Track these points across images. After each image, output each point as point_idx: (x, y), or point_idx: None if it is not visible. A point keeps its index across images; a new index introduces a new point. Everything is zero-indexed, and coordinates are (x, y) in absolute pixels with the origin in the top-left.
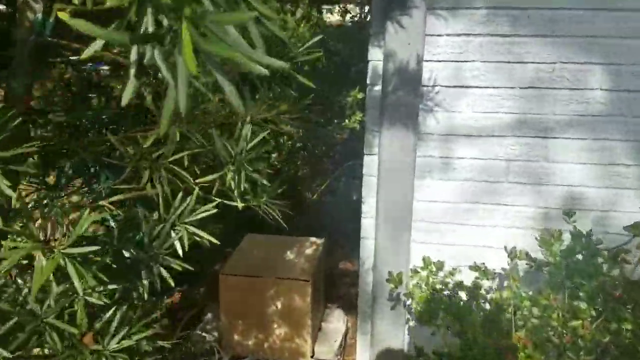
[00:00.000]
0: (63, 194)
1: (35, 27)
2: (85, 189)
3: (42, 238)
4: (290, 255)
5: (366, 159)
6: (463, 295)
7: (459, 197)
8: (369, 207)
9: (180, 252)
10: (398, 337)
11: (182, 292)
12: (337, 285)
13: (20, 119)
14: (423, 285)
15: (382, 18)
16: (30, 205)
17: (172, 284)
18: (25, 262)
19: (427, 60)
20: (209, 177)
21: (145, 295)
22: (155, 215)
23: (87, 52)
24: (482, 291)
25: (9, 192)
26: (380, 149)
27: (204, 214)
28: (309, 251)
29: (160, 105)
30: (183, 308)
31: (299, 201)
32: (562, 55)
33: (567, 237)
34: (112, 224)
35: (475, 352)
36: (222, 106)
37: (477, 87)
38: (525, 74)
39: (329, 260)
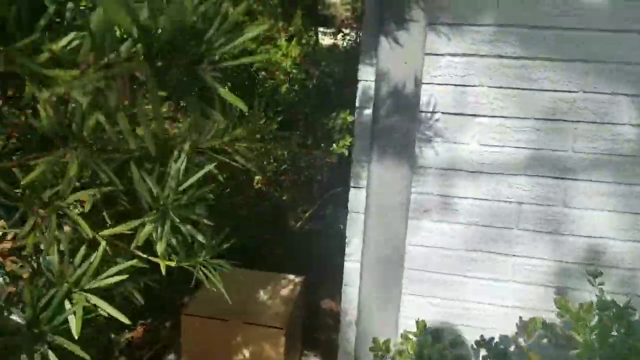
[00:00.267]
0: None
1: None
2: None
3: None
4: (263, 295)
5: (352, 192)
6: None
7: (460, 244)
8: (353, 249)
9: (74, 331)
10: None
11: (145, 325)
12: (317, 328)
13: None
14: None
15: (375, 32)
16: None
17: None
18: None
19: (426, 83)
20: (117, 229)
21: None
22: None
23: None
24: None
25: None
26: (369, 182)
27: (112, 279)
28: (284, 291)
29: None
30: (145, 345)
31: (282, 229)
32: (586, 83)
33: (582, 296)
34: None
35: None
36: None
37: (484, 115)
38: (542, 103)
39: (309, 298)
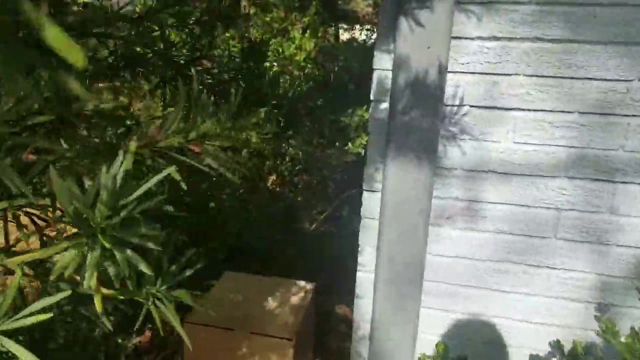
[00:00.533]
0: None
1: None
2: None
3: None
4: (272, 303)
5: (365, 196)
6: None
7: (487, 254)
8: (366, 258)
9: None
10: None
11: (153, 330)
12: (329, 336)
13: None
14: None
15: (393, 12)
16: None
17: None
18: None
19: (452, 72)
20: (28, 256)
21: None
22: None
23: None
24: None
25: None
26: (384, 185)
27: (26, 321)
28: (294, 299)
29: None
30: (152, 350)
31: (295, 230)
32: None
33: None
34: None
35: None
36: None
37: (520, 109)
38: (588, 95)
39: (322, 303)
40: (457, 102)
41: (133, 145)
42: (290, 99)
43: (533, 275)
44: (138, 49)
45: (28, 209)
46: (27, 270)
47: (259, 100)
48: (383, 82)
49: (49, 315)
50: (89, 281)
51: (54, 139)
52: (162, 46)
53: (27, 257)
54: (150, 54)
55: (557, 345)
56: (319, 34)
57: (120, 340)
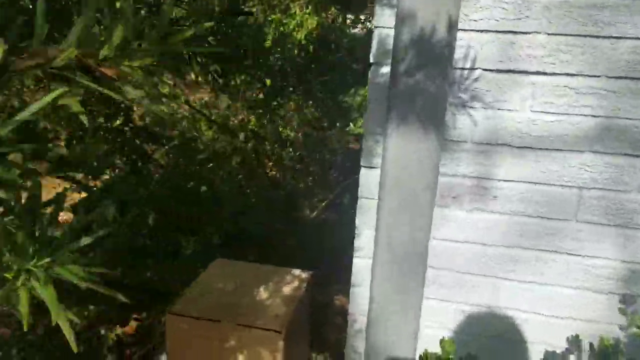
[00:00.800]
0: None
1: None
2: None
3: None
4: (263, 293)
5: (363, 173)
6: None
7: (498, 239)
8: (364, 243)
9: None
10: None
11: (139, 320)
12: (326, 327)
13: None
14: None
15: None
16: None
17: None
18: None
19: (463, 29)
20: None
21: None
22: None
23: None
24: None
25: None
26: (384, 161)
27: None
28: (288, 289)
29: None
30: (136, 342)
31: (294, 219)
32: None
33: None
34: None
35: None
36: None
37: (540, 73)
38: (618, 57)
39: (321, 294)
40: (468, 65)
41: (22, 63)
42: (280, 58)
43: (549, 263)
44: None
45: None
46: None
47: (237, 56)
48: (384, 42)
49: None
50: None
51: None
52: None
53: None
54: None
55: (575, 341)
56: (323, 14)
57: (102, 332)
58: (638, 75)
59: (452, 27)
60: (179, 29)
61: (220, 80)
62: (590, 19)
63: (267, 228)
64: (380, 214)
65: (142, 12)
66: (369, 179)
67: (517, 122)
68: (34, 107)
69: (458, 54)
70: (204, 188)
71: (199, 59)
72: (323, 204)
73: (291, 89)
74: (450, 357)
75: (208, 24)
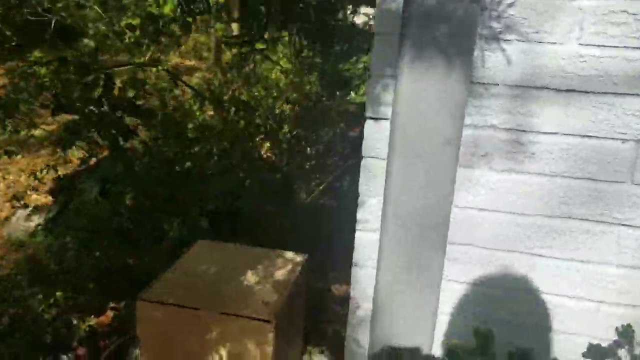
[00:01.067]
0: None
1: None
2: None
3: None
4: (251, 277)
5: (369, 126)
6: None
7: (535, 206)
8: (369, 213)
9: None
10: None
11: (117, 309)
12: (323, 318)
13: None
14: None
15: None
16: None
17: None
18: None
19: None
20: None
21: None
22: None
23: None
24: None
25: None
26: (395, 109)
27: None
28: (279, 273)
29: None
30: (112, 332)
31: (289, 202)
32: None
33: None
34: None
35: None
36: None
37: None
38: None
39: (316, 281)
40: None
41: None
42: None
43: (597, 236)
44: None
45: None
46: None
47: None
48: None
49: None
50: None
51: None
52: None
53: None
54: None
55: (626, 332)
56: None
57: (74, 321)
58: None
59: None
60: None
61: None
62: None
63: (259, 210)
64: (390, 178)
65: None
66: (374, 133)
67: (562, 58)
68: None
69: None
70: (188, 164)
71: None
72: (320, 187)
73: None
74: (486, 350)
75: None
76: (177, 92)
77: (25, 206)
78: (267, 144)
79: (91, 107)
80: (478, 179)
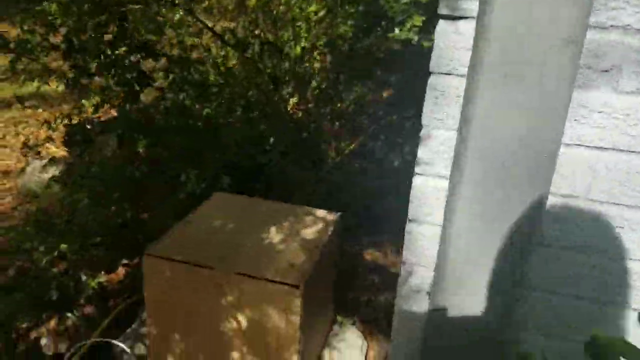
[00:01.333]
0: None
1: None
2: None
3: None
4: (275, 235)
5: (442, 30)
6: None
7: None
8: (434, 151)
9: None
10: None
11: (129, 266)
12: (355, 285)
13: None
14: None
15: None
16: None
17: None
18: None
19: None
20: None
21: None
22: None
23: None
24: None
25: None
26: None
27: None
28: (309, 232)
29: None
30: (123, 290)
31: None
32: None
33: None
34: None
35: None
36: None
37: None
38: None
39: (348, 246)
40: None
41: None
42: None
43: None
44: None
45: None
46: None
47: None
48: None
49: None
50: None
51: None
52: None
53: None
54: None
55: None
56: None
57: (83, 278)
58: None
59: None
60: None
61: None
62: None
63: (285, 168)
64: (473, 99)
65: None
66: (450, 38)
67: None
68: None
69: None
70: (207, 110)
71: None
72: (351, 147)
73: None
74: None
75: None
76: (196, 40)
77: (41, 157)
78: (294, 100)
79: (105, 50)
80: (597, 102)
